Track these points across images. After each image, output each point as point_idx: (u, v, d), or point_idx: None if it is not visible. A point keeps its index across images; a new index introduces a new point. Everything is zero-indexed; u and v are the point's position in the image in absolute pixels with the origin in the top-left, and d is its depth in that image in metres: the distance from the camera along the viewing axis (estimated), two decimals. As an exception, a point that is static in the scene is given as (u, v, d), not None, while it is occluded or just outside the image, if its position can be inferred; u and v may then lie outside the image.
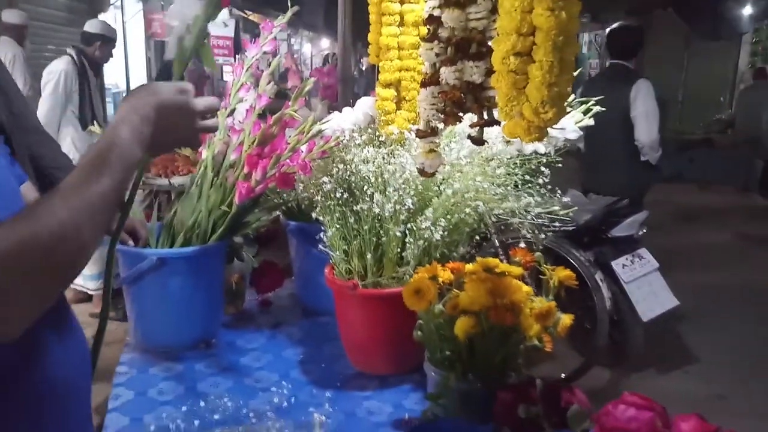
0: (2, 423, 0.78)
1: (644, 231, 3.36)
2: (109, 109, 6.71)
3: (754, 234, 6.36)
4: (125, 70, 8.24)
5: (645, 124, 3.77)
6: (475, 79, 1.09)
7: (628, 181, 3.84)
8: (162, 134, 0.84)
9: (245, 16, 11.16)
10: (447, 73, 1.10)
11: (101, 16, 7.15)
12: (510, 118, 0.90)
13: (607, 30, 4.39)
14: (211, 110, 0.89)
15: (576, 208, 1.64)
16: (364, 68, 12.81)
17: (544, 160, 1.46)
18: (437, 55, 1.12)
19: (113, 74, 7.60)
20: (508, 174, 1.41)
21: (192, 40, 0.84)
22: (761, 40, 10.72)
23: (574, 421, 0.99)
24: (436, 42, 1.12)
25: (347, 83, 2.25)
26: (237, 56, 8.88)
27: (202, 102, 0.88)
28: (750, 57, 10.99)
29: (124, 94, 8.09)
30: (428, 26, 1.13)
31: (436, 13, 1.10)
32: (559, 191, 1.44)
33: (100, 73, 4.45)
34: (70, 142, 3.99)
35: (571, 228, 3.14)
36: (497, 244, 2.56)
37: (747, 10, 9.47)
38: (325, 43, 18.40)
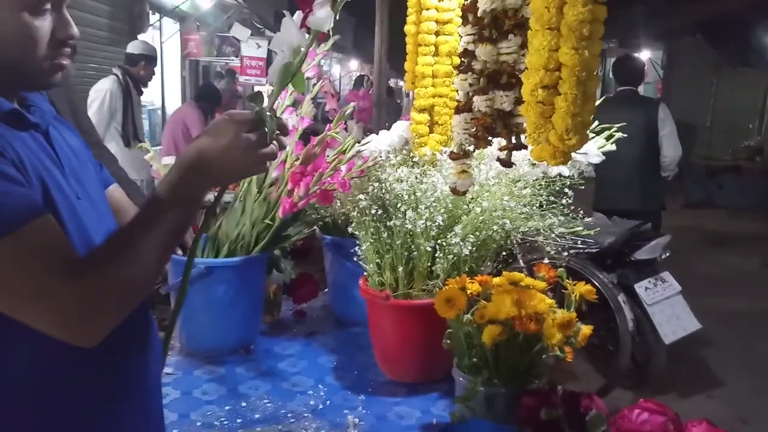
0: (94, 407, 0.90)
1: (667, 254, 3.40)
2: (145, 125, 6.94)
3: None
4: (161, 88, 8.51)
5: (674, 141, 3.96)
6: (504, 107, 1.19)
7: (645, 198, 3.96)
8: (223, 173, 0.90)
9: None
10: (479, 102, 1.21)
11: (140, 36, 7.43)
12: (537, 143, 1.00)
13: (613, 60, 4.65)
14: (266, 141, 0.91)
15: (599, 229, 1.72)
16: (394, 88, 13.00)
17: (568, 182, 1.55)
18: (470, 85, 1.23)
19: (149, 92, 7.86)
20: (534, 195, 1.50)
21: (296, 67, 0.93)
22: (791, 67, 10.62)
23: (593, 424, 1.07)
24: (469, 73, 1.23)
25: (381, 107, 2.37)
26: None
27: (257, 139, 0.90)
28: (780, 83, 10.90)
29: (159, 112, 8.34)
30: (463, 59, 1.24)
31: (471, 47, 1.21)
32: (582, 212, 1.53)
33: (142, 92, 4.63)
34: (116, 159, 4.19)
35: (594, 250, 3.24)
36: (522, 264, 2.64)
37: (776, 37, 9.45)
38: (353, 64, 18.70)
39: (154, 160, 1.94)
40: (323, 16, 0.89)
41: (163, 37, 8.78)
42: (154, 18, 8.27)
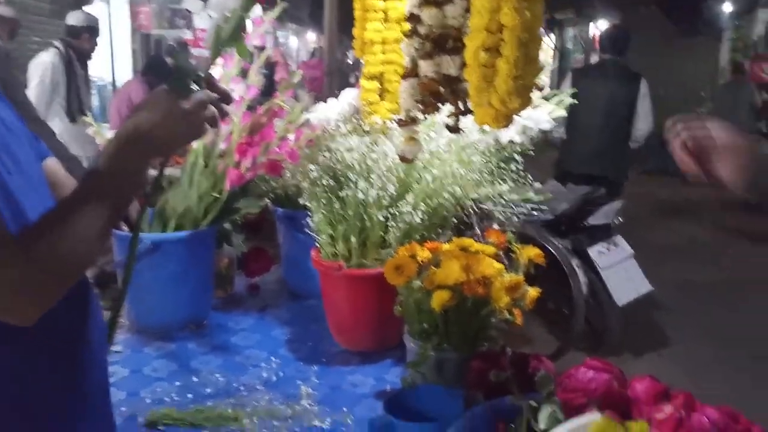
0: (33, 387, 0.86)
1: (620, 219, 3.48)
2: (94, 101, 6.71)
3: (732, 227, 6.53)
4: (111, 63, 8.22)
5: (650, 116, 4.10)
6: (451, 72, 1.18)
7: (613, 166, 4.07)
8: (159, 143, 0.88)
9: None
10: (425, 67, 1.19)
11: (87, 8, 7.13)
12: (480, 107, 0.99)
13: (604, 28, 4.78)
14: (202, 105, 0.89)
15: (551, 196, 1.74)
16: (351, 62, 12.88)
17: (518, 149, 1.55)
18: (417, 49, 1.21)
19: (99, 67, 7.59)
20: (484, 161, 1.50)
21: (229, 31, 0.90)
22: (740, 36, 10.90)
23: (541, 384, 1.08)
24: (415, 38, 1.21)
25: (333, 76, 2.32)
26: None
27: (191, 103, 0.89)
28: (730, 53, 11.19)
29: (109, 87, 8.07)
30: (409, 23, 1.21)
31: (416, 11, 1.19)
32: (530, 178, 1.53)
33: (86, 65, 4.45)
34: (58, 134, 4.02)
35: (549, 217, 3.28)
36: (479, 231, 2.66)
37: (727, 7, 9.67)
38: (312, 36, 18.39)
39: (98, 135, 1.87)
40: None
41: (111, 8, 8.45)
42: (100, -12, 7.95)
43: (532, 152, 1.56)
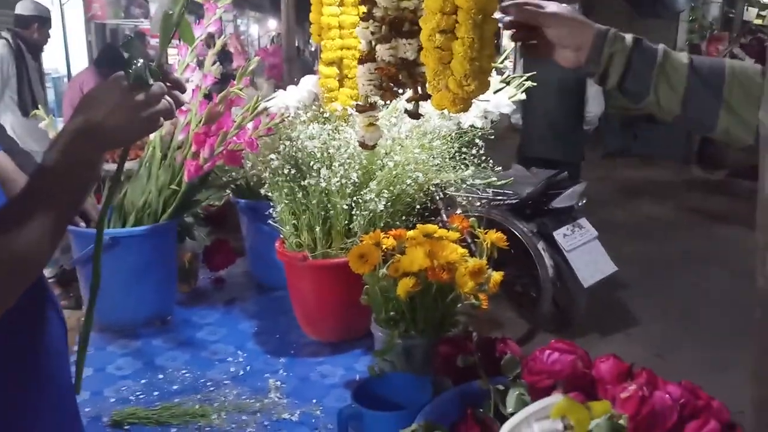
0: None
1: (584, 201, 3.53)
2: (50, 94, 6.50)
3: (692, 206, 6.69)
4: (65, 54, 7.96)
5: (600, 98, 4.13)
6: (408, 56, 1.16)
7: (567, 149, 4.12)
8: (112, 135, 0.84)
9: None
10: (382, 51, 1.17)
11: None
12: (437, 91, 0.98)
13: None
14: (156, 97, 0.86)
15: (513, 179, 1.74)
16: (313, 48, 12.74)
17: (479, 133, 1.55)
18: (372, 33, 1.18)
19: (53, 59, 7.35)
20: (445, 146, 1.49)
21: (178, 16, 0.87)
22: (697, 18, 11.11)
23: (507, 368, 1.08)
24: (371, 21, 1.19)
25: (292, 63, 2.28)
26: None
27: (145, 96, 0.85)
28: (687, 34, 11.39)
29: (64, 80, 7.82)
30: (364, 6, 1.19)
31: (371, -7, 1.16)
32: (492, 163, 1.53)
33: (38, 57, 4.30)
34: (10, 129, 3.88)
35: (514, 201, 3.31)
36: (445, 218, 2.66)
37: (683, -11, 9.82)
38: (272, 23, 18.13)
39: (50, 128, 1.81)
40: None
41: (63, -2, 8.17)
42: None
43: (492, 137, 1.55)
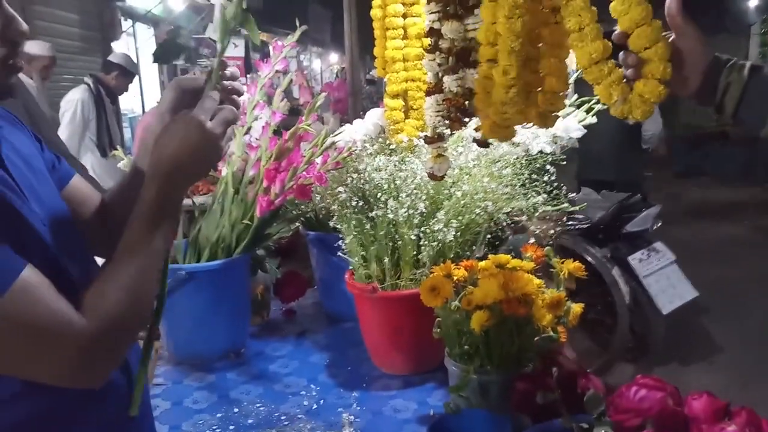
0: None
1: (659, 225, 3.39)
2: (127, 133, 6.86)
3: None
4: (140, 94, 8.40)
5: (656, 117, 3.99)
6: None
7: (626, 169, 4.01)
8: (200, 173, 0.87)
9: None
10: (449, 82, 1.17)
11: (115, 44, 7.32)
12: (485, 119, 0.97)
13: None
14: (225, 122, 0.87)
15: (585, 204, 1.69)
16: (375, 79, 12.95)
17: (549, 159, 1.51)
18: (439, 65, 1.18)
19: (129, 99, 7.77)
20: (515, 174, 1.46)
21: (233, 8, 0.88)
22: (768, 31, 10.65)
23: (591, 404, 1.03)
24: (437, 53, 1.19)
25: (357, 96, 2.32)
26: (248, 76, 9.07)
27: (215, 121, 0.86)
28: (760, 48, 10.91)
29: (139, 118, 8.24)
30: (430, 38, 1.19)
31: (437, 25, 1.17)
32: (565, 189, 1.49)
33: (116, 101, 4.55)
34: (90, 168, 4.11)
35: (585, 226, 3.21)
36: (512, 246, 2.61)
37: (753, 2, 9.45)
38: (334, 57, 18.56)
39: (128, 168, 1.89)
40: None
41: (138, 42, 8.66)
42: (126, 24, 8.15)
43: (563, 161, 1.52)
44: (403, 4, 1.60)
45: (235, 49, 8.74)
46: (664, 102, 0.96)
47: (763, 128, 0.95)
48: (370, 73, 13.63)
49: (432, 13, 1.17)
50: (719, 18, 9.27)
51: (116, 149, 2.04)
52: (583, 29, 0.87)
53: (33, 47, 4.30)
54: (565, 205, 1.58)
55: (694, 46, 0.95)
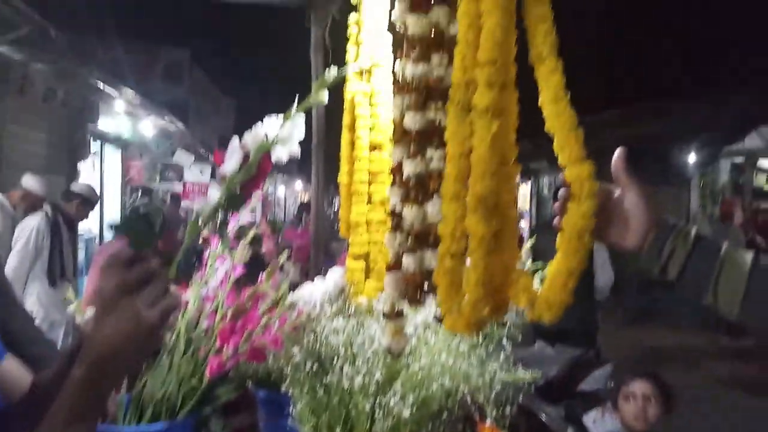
0: None
1: (612, 384, 3.39)
2: (81, 254, 6.70)
3: (722, 375, 6.40)
4: (100, 216, 8.35)
5: (608, 269, 4.14)
6: (433, 267, 1.18)
7: (580, 319, 4.07)
8: (125, 362, 0.82)
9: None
10: (408, 261, 1.20)
11: (81, 164, 7.37)
12: (450, 314, 0.98)
13: (556, 188, 4.93)
14: (167, 313, 0.83)
15: (540, 375, 1.68)
16: (336, 209, 13.23)
17: (506, 333, 1.53)
18: (400, 244, 1.22)
19: (87, 220, 7.69)
20: (471, 347, 1.47)
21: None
22: (706, 184, 11.48)
23: None
24: (398, 232, 1.23)
25: (320, 247, 2.35)
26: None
27: (158, 313, 0.82)
28: (700, 200, 11.68)
29: (96, 240, 8.12)
30: (392, 219, 1.24)
31: (398, 208, 1.22)
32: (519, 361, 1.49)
33: (74, 228, 4.48)
34: (36, 299, 3.96)
35: (540, 383, 3.18)
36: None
37: (692, 158, 10.25)
38: (299, 185, 19.02)
39: (78, 313, 1.83)
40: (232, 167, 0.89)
41: (104, 164, 8.76)
42: (95, 145, 8.28)
43: (520, 338, 1.54)
44: (369, 172, 1.68)
45: (202, 176, 8.93)
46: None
47: (705, 297, 0.97)
48: (333, 202, 13.96)
49: (394, 195, 1.23)
50: (663, 171, 9.97)
51: (69, 280, 1.98)
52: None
53: (31, 182, 4.25)
54: (521, 374, 1.58)
55: (638, 202, 0.99)
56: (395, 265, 1.23)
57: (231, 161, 0.89)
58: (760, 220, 10.24)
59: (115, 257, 0.84)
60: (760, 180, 11.68)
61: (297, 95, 0.88)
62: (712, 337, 8.07)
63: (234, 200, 0.90)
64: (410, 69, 1.18)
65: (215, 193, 0.90)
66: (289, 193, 19.14)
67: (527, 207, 14.72)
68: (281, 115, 0.87)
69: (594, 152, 1.01)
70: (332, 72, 0.90)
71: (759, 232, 9.55)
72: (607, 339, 4.40)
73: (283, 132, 0.86)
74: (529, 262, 1.95)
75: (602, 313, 4.48)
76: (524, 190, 14.47)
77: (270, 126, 0.86)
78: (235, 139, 0.90)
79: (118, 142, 8.75)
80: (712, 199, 11.41)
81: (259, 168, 0.88)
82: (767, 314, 0.95)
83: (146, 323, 0.81)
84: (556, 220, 1.00)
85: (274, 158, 0.89)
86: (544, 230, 4.56)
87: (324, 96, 0.88)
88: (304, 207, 7.18)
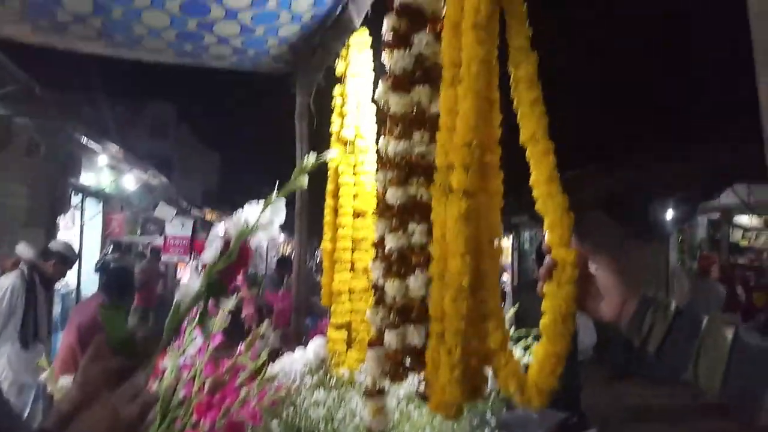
0: None
1: (597, 450, 3.33)
2: (57, 309, 6.54)
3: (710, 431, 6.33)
4: (78, 270, 8.20)
5: (590, 330, 4.13)
6: (416, 343, 1.17)
7: (567, 380, 4.01)
8: None
9: (202, 216, 11.56)
10: (391, 337, 1.19)
11: (61, 218, 7.28)
12: (436, 393, 0.97)
13: (538, 243, 4.93)
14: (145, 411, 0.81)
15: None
16: (318, 261, 13.15)
17: (489, 406, 1.51)
18: (382, 319, 1.21)
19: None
20: (457, 422, 1.44)
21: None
22: (685, 240, 11.66)
23: None
24: (380, 306, 1.22)
25: (301, 312, 2.31)
26: (192, 253, 9.09)
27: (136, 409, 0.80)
28: (678, 254, 11.82)
29: (73, 295, 7.94)
30: (374, 292, 1.24)
31: (380, 282, 1.22)
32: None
33: (51, 288, 4.35)
34: (6, 361, 3.81)
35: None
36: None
37: (669, 214, 10.43)
38: (281, 236, 18.90)
39: (50, 382, 1.78)
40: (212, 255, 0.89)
41: (84, 217, 8.66)
42: (76, 199, 8.21)
43: (505, 408, 1.52)
44: (352, 239, 1.68)
45: (183, 229, 8.86)
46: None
47: (684, 373, 0.97)
48: (315, 255, 13.86)
49: (376, 269, 1.23)
50: (642, 227, 10.10)
51: (41, 341, 1.91)
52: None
53: (25, 252, 4.15)
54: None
55: (608, 276, 1.00)
56: (377, 341, 1.22)
57: (211, 249, 0.89)
58: (738, 275, 10.35)
59: (99, 349, 0.83)
60: (736, 236, 11.89)
61: (277, 181, 0.89)
62: (697, 393, 8.01)
63: (215, 288, 0.89)
64: (392, 146, 1.20)
65: (196, 282, 0.89)
66: (272, 245, 19.02)
67: (509, 261, 14.76)
68: (261, 201, 0.88)
69: (574, 205, 1.02)
70: (311, 158, 0.91)
71: (740, 284, 9.63)
72: (590, 397, 4.36)
73: (263, 218, 0.86)
74: (512, 330, 1.95)
75: (585, 371, 4.45)
76: (506, 244, 14.55)
77: (250, 212, 0.87)
78: (215, 227, 0.91)
79: (99, 195, 8.69)
80: (691, 255, 11.55)
81: (239, 255, 0.87)
82: (748, 393, 0.95)
83: (124, 420, 0.79)
84: (539, 286, 1.01)
85: (253, 244, 0.89)
86: (528, 289, 4.56)
87: (304, 181, 0.88)
88: (283, 261, 7.09)
